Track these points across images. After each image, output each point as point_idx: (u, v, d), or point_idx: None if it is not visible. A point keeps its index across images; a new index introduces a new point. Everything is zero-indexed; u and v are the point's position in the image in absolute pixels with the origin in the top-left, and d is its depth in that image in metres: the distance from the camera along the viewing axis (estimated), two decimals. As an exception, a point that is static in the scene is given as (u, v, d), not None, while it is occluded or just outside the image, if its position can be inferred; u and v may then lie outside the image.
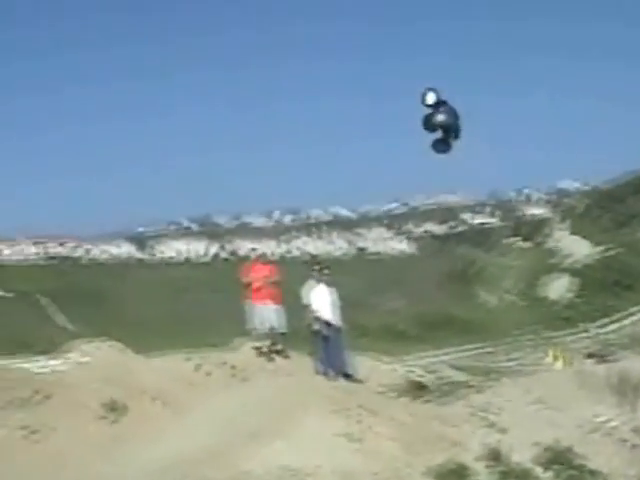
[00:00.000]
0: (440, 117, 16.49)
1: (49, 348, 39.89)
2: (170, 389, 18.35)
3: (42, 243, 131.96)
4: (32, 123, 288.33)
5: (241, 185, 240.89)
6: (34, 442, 17.84)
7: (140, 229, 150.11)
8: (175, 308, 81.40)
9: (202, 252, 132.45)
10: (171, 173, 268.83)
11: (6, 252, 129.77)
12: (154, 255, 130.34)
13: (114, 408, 18.29)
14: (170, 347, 26.00)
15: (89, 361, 29.20)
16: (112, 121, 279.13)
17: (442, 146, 16.66)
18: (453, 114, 16.53)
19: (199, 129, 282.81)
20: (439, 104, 17.20)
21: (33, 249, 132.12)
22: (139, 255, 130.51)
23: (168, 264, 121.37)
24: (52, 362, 32.55)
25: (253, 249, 41.82)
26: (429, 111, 15.73)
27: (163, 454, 12.70)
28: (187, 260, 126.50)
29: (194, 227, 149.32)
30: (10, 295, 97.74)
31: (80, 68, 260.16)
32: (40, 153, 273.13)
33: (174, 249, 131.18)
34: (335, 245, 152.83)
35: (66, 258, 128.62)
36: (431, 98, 17.12)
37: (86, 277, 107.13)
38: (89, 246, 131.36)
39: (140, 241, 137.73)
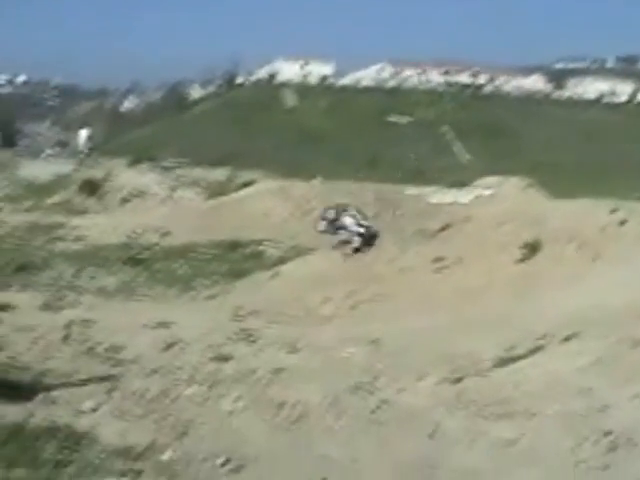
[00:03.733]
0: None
1: (449, 179, 40.51)
2: (587, 235, 18.23)
3: (449, 70, 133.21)
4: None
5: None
6: (443, 274, 18.81)
7: (559, 64, 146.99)
8: (589, 153, 79.33)
9: (624, 95, 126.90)
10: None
11: (411, 77, 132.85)
12: (569, 93, 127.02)
13: (526, 246, 18.64)
14: (584, 194, 25.48)
15: (496, 196, 29.62)
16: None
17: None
18: None
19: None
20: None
21: (439, 75, 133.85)
22: (553, 91, 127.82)
23: (584, 104, 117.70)
24: (456, 194, 33.13)
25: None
26: None
27: (582, 301, 12.64)
28: (605, 102, 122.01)
29: (618, 66, 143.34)
30: (410, 121, 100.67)
31: None
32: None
33: (593, 89, 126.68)
34: None
35: (472, 87, 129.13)
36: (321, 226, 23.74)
37: (491, 109, 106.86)
38: (500, 77, 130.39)
39: (557, 77, 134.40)
